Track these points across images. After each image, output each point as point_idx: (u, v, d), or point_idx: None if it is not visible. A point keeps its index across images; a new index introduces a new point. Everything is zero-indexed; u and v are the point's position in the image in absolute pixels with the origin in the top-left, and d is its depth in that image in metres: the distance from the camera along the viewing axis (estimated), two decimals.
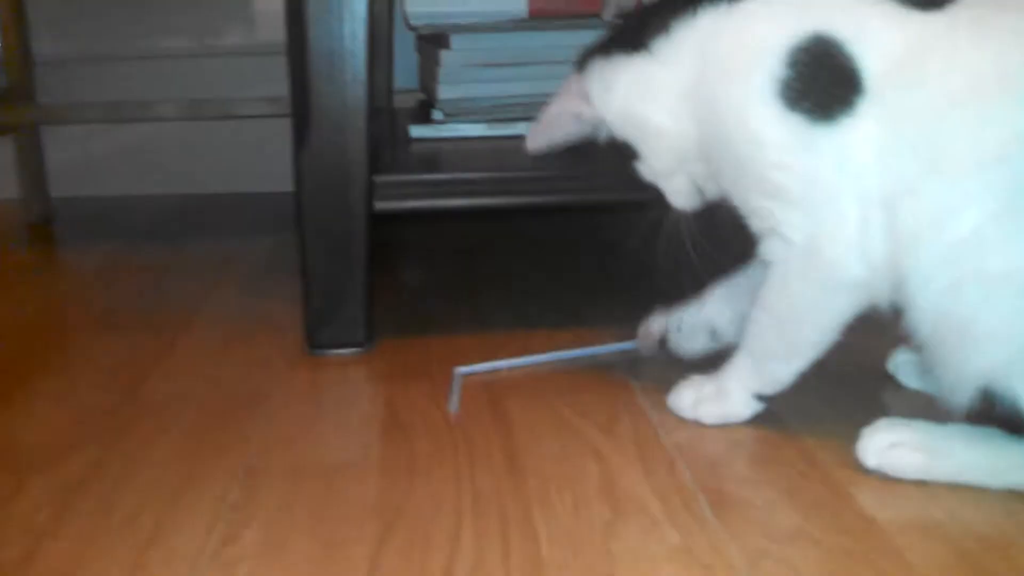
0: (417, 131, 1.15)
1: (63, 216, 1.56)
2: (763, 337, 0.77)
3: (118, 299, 1.16)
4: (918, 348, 0.70)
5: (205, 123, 1.60)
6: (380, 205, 0.93)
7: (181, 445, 0.77)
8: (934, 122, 0.65)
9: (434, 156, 1.09)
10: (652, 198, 0.82)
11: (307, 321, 0.95)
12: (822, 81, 0.68)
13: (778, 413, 0.78)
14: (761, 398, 0.78)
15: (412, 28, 1.18)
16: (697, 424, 0.78)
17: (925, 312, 0.66)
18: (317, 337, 0.95)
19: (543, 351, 0.93)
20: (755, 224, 0.75)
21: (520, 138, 0.91)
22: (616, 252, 1.35)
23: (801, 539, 0.62)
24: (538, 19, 1.14)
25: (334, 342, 0.95)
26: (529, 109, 1.13)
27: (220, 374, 0.91)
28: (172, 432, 0.79)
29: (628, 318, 0.93)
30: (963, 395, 0.66)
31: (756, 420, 0.78)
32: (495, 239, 1.40)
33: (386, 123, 1.32)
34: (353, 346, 0.95)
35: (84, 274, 1.28)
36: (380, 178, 0.93)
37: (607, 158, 0.78)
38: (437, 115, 1.16)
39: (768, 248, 0.74)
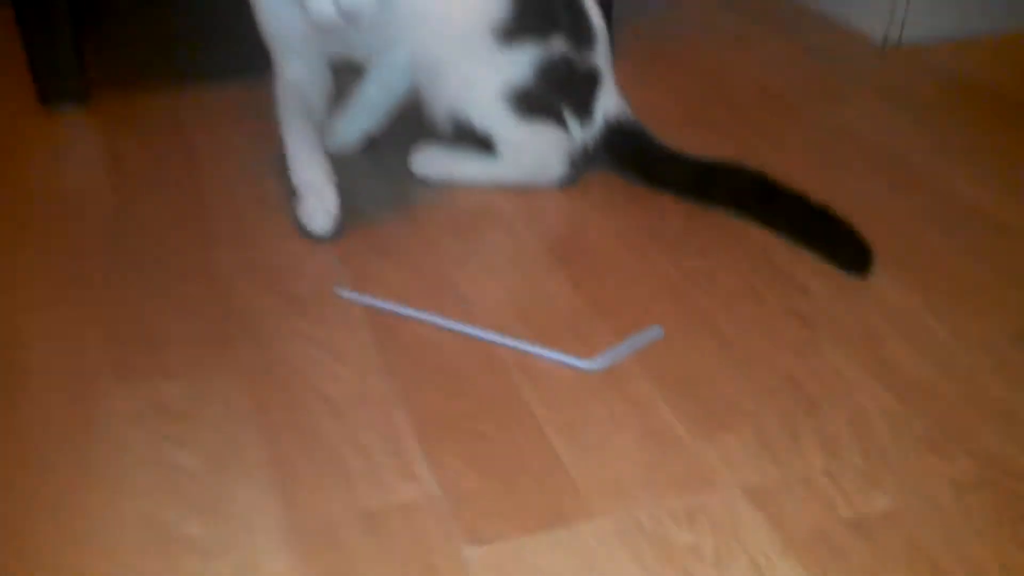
0: None
1: None
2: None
3: None
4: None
5: None
6: None
7: None
8: None
9: None
10: None
11: (34, 79, 1.14)
12: None
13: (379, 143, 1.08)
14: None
15: None
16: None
17: (418, 65, 1.00)
18: (43, 93, 1.15)
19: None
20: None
21: None
22: None
23: None
24: None
25: (57, 96, 1.15)
26: None
27: None
28: None
29: None
30: (446, 123, 1.01)
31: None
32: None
33: None
34: (76, 99, 1.16)
35: None
36: None
37: None
38: None
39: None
